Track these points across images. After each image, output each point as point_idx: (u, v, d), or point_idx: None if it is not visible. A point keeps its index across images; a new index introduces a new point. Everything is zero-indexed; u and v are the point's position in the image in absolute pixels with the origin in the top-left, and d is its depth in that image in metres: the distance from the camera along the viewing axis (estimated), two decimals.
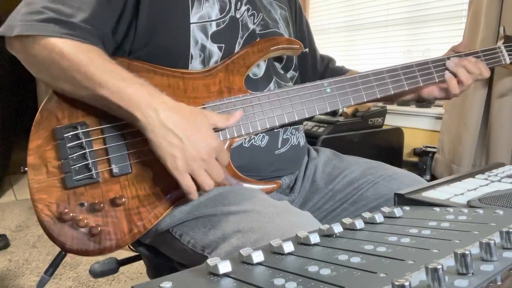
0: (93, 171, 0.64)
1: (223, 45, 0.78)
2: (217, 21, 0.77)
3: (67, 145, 0.64)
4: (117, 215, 0.63)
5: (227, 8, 0.79)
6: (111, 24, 0.72)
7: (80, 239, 0.62)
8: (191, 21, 0.75)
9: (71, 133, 0.64)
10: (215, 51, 0.77)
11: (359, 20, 2.63)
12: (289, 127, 0.85)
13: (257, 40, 0.81)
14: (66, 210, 0.62)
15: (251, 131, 0.74)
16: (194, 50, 0.75)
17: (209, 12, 0.77)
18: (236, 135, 0.73)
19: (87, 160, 0.64)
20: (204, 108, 0.73)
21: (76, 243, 0.62)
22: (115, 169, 0.65)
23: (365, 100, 0.84)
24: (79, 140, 0.64)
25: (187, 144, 0.62)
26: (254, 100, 0.75)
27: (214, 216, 0.67)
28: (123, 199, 0.64)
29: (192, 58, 0.75)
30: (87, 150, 0.64)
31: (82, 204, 0.63)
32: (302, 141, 0.91)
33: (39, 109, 0.67)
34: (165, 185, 0.67)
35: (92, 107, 0.67)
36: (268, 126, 0.75)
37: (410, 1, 2.32)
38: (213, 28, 0.77)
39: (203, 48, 0.76)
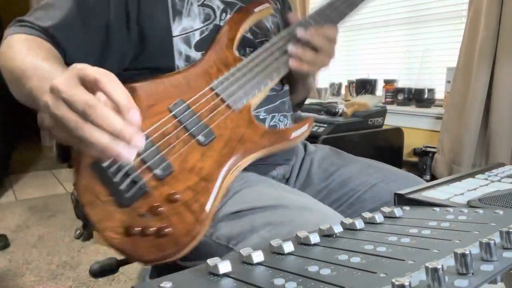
0: (140, 183, 0.65)
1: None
2: (201, 29, 0.79)
3: (108, 172, 0.66)
4: (178, 210, 0.64)
5: (212, 18, 0.81)
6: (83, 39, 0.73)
7: (155, 246, 0.63)
8: (173, 35, 0.77)
9: (108, 160, 0.66)
10: (199, 59, 0.79)
11: (359, 20, 2.63)
12: (277, 114, 0.85)
13: (231, 16, 0.82)
14: (131, 225, 0.63)
15: (262, 88, 0.76)
16: (179, 62, 0.77)
17: (192, 24, 0.78)
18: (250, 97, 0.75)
19: (131, 175, 0.65)
20: (211, 88, 0.74)
21: (153, 251, 0.63)
22: (159, 172, 0.66)
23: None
24: (116, 162, 0.66)
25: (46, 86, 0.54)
26: (249, 64, 0.77)
27: (239, 212, 0.68)
28: (177, 195, 0.65)
29: (178, 69, 0.78)
30: (127, 168, 0.66)
31: (142, 215, 0.64)
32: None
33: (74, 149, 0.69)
34: (209, 168, 0.68)
35: None
36: (270, 82, 0.77)
37: (410, 1, 2.32)
38: (196, 37, 0.79)
39: (187, 58, 0.78)
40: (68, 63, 0.69)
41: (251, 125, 0.73)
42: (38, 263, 1.94)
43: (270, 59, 0.78)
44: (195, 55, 0.78)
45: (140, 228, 0.63)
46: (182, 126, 0.69)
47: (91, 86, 0.46)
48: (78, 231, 2.21)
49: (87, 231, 2.20)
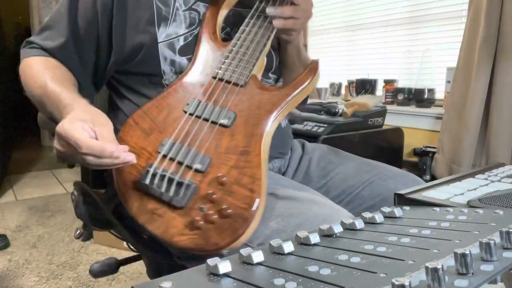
0: (186, 182, 0.67)
1: (191, 56, 0.82)
2: (185, 35, 0.82)
3: (153, 186, 0.68)
4: (231, 190, 0.66)
5: (197, 23, 0.83)
6: (83, 55, 0.83)
7: (225, 229, 0.63)
8: (158, 41, 0.80)
9: (149, 176, 0.68)
10: (184, 63, 0.81)
11: (359, 20, 2.63)
12: None
13: (206, 10, 0.84)
14: (195, 220, 0.65)
15: (259, 56, 0.78)
16: (164, 66, 0.81)
17: (176, 30, 0.81)
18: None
19: (174, 179, 0.67)
20: (213, 77, 0.77)
21: (226, 234, 0.63)
22: (199, 166, 0.68)
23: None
24: (156, 175, 0.68)
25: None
26: (238, 42, 0.80)
27: None
28: (224, 178, 0.67)
29: (164, 74, 0.81)
30: (168, 174, 0.68)
31: (201, 208, 0.65)
32: (283, 123, 0.93)
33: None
34: (242, 142, 0.70)
35: (142, 145, 0.71)
36: (264, 48, 0.79)
37: (410, 1, 2.32)
38: (180, 42, 0.81)
39: (172, 62, 0.81)
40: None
41: (264, 91, 0.75)
42: (38, 263, 1.94)
43: (255, 30, 0.80)
44: (179, 59, 0.81)
45: (203, 219, 0.64)
46: (202, 119, 0.72)
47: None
48: (78, 231, 2.21)
49: (87, 231, 2.21)
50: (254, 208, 0.64)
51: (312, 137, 1.62)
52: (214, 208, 0.65)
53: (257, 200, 0.64)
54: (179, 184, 0.67)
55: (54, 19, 0.83)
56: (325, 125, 1.70)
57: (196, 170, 0.68)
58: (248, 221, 0.63)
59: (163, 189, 0.67)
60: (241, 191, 0.65)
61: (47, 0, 4.21)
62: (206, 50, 0.81)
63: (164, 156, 0.70)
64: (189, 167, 0.68)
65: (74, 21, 0.81)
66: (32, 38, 0.85)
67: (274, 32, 0.80)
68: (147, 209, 0.68)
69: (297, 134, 1.02)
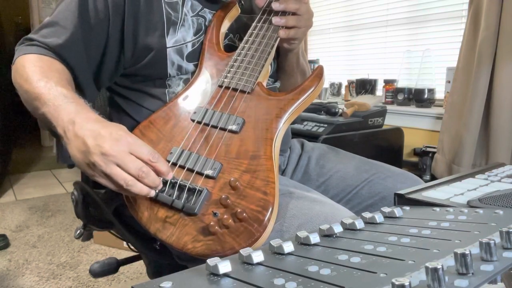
0: (198, 188, 0.67)
1: (198, 62, 0.83)
2: (193, 42, 0.83)
3: (164, 194, 0.67)
4: (244, 194, 0.66)
5: (203, 30, 0.84)
6: (89, 56, 0.79)
7: (241, 233, 0.63)
8: (167, 46, 0.80)
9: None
10: (191, 68, 0.82)
11: (359, 20, 2.63)
12: None
13: (210, 23, 0.86)
14: (209, 225, 0.64)
15: (264, 63, 0.79)
16: (171, 70, 0.81)
17: (184, 36, 0.82)
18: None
19: (186, 186, 0.67)
20: (219, 86, 0.77)
21: (242, 238, 0.62)
22: (211, 172, 0.68)
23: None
24: (166, 182, 0.68)
25: (92, 145, 0.59)
26: (243, 52, 0.81)
27: None
28: (237, 183, 0.66)
29: (169, 77, 0.81)
30: (178, 181, 0.67)
31: (215, 213, 0.65)
32: None
33: None
34: (252, 147, 0.70)
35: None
36: (268, 56, 0.80)
37: (410, 1, 2.32)
38: (188, 49, 0.82)
39: (179, 67, 0.82)
40: (75, 77, 0.78)
41: (271, 97, 0.76)
42: (38, 263, 1.94)
43: (259, 39, 0.81)
44: (186, 65, 0.82)
45: (217, 224, 0.63)
46: (210, 126, 0.73)
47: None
48: (78, 231, 2.21)
49: (87, 231, 2.21)
50: (269, 211, 0.63)
51: (312, 137, 1.62)
52: (228, 213, 0.64)
53: (272, 203, 0.64)
54: (191, 190, 0.67)
55: (60, 16, 0.79)
56: (325, 125, 1.70)
57: (207, 176, 0.68)
58: (263, 224, 0.62)
59: (174, 197, 0.66)
60: (254, 194, 0.65)
61: (47, 0, 4.21)
62: (211, 61, 0.82)
63: (174, 164, 0.70)
64: (200, 174, 0.68)
65: (84, 17, 0.78)
66: (31, 35, 0.80)
67: (277, 41, 0.81)
68: (158, 217, 0.67)
69: (297, 134, 1.03)
